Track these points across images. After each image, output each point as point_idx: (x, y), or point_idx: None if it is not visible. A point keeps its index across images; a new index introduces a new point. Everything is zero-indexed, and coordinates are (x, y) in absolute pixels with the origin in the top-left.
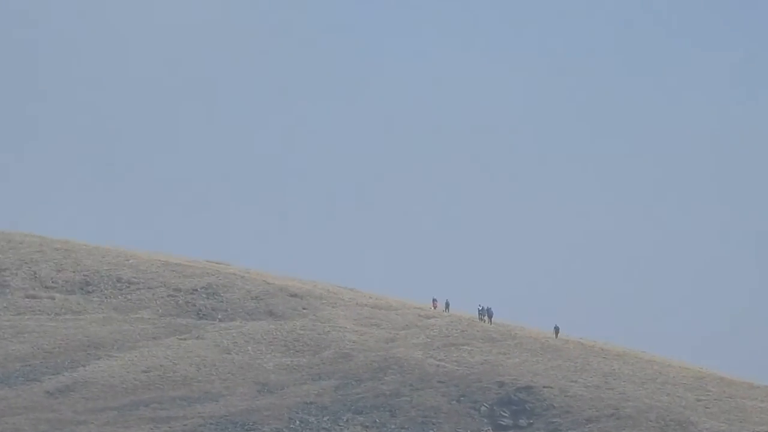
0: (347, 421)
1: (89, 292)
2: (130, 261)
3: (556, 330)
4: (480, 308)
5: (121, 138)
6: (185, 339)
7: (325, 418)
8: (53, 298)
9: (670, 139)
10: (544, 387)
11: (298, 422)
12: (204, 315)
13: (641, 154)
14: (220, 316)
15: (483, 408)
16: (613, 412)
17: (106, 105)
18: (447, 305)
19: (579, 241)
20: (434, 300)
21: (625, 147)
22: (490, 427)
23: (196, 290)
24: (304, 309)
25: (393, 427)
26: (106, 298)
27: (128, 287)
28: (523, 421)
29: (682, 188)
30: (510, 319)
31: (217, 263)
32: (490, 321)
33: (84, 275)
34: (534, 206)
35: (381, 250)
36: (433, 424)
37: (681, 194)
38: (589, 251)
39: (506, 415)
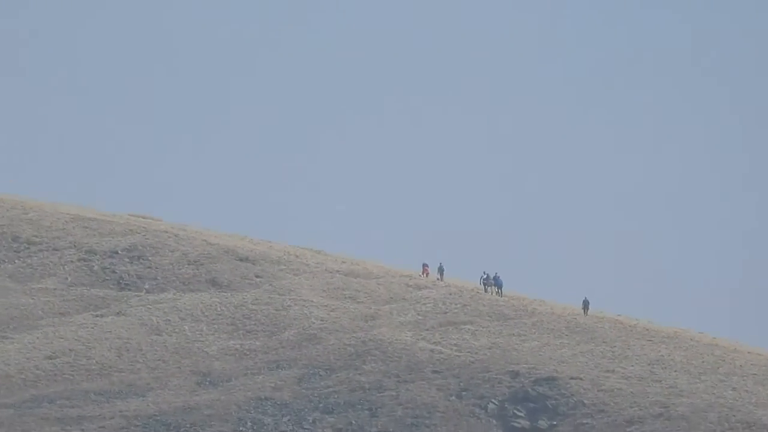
0: (314, 422)
1: None
2: (30, 215)
3: (586, 305)
4: (485, 276)
5: (18, 63)
6: (102, 316)
7: (284, 419)
8: None
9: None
10: (571, 378)
11: (249, 423)
12: (127, 285)
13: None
14: (147, 287)
15: (491, 406)
16: (660, 412)
17: None
18: (441, 271)
19: (613, 188)
20: (425, 265)
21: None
22: (500, 431)
23: (117, 253)
24: (257, 277)
25: (374, 430)
26: None
27: (27, 249)
28: (543, 423)
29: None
30: (525, 291)
31: (143, 218)
32: (500, 293)
33: None
34: (547, 145)
35: (356, 201)
36: (426, 426)
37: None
38: (627, 201)
39: (521, 414)
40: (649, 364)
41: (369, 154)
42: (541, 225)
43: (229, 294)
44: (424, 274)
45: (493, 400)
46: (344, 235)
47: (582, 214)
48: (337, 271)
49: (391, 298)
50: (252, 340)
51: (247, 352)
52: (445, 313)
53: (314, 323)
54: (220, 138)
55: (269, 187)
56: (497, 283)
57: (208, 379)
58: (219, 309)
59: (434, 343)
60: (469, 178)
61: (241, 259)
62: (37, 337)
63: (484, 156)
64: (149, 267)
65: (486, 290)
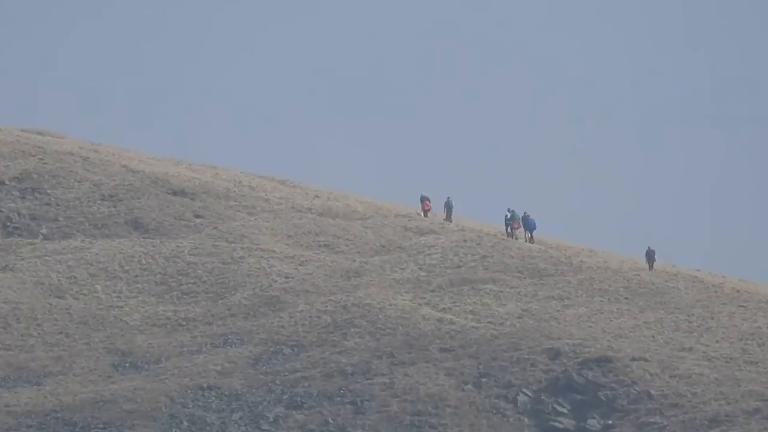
0: (276, 420)
1: None
2: None
3: (651, 256)
4: (510, 215)
5: None
6: None
7: (235, 416)
8: None
9: None
10: (632, 360)
11: (185, 423)
12: (16, 229)
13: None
14: (44, 231)
15: (522, 398)
16: (757, 407)
17: None
18: (449, 209)
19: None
20: (425, 199)
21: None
22: None
23: (3, 183)
24: (197, 218)
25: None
26: None
27: None
28: (594, 422)
29: None
30: (567, 236)
31: (40, 134)
32: (531, 238)
33: None
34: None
35: (334, 114)
36: (432, 427)
37: None
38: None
39: (564, 410)
40: (740, 340)
41: (349, 57)
42: (587, 148)
43: (158, 241)
44: (424, 212)
45: (524, 390)
46: (318, 162)
47: (644, 132)
48: (309, 209)
49: (383, 246)
50: (190, 306)
51: (183, 323)
52: (458, 267)
53: (276, 282)
54: (158, 32)
55: (216, 99)
56: (528, 225)
57: (129, 360)
58: (144, 262)
59: (442, 310)
60: (485, 83)
61: (174, 193)
62: None
63: (507, 52)
64: (47, 204)
65: (512, 235)
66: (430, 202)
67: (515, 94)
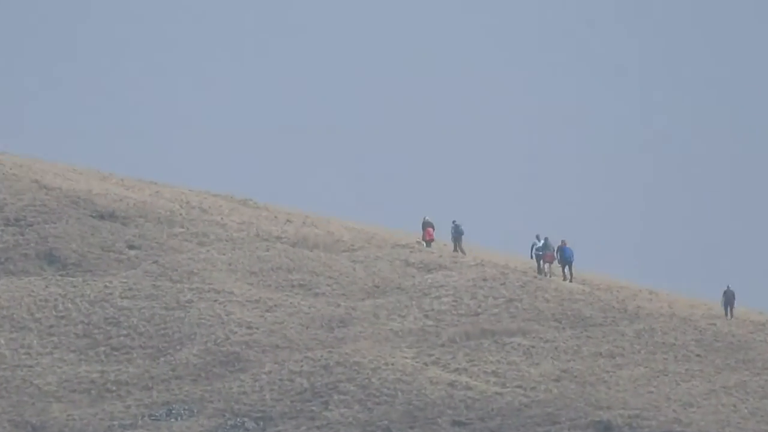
0: None
1: None
2: None
3: (730, 300)
4: (540, 243)
5: None
6: None
7: None
8: None
9: None
10: None
11: None
12: None
13: None
14: None
15: None
16: None
17: None
18: (456, 236)
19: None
20: (428, 226)
21: None
22: None
23: None
24: (131, 249)
25: None
26: None
27: None
28: None
29: None
30: (617, 273)
31: None
32: (569, 274)
33: None
34: None
35: (310, 120)
36: None
37: None
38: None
39: None
40: None
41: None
42: (642, 156)
43: (80, 280)
44: (426, 240)
45: None
46: (289, 176)
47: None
48: (278, 237)
49: (376, 287)
50: (122, 366)
51: (113, 388)
52: (476, 314)
53: (235, 333)
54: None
55: (158, 100)
56: (564, 256)
57: None
58: (61, 307)
59: (455, 371)
60: (494, 83)
61: (101, 216)
62: None
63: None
64: None
65: (545, 271)
66: (433, 229)
67: (528, 95)
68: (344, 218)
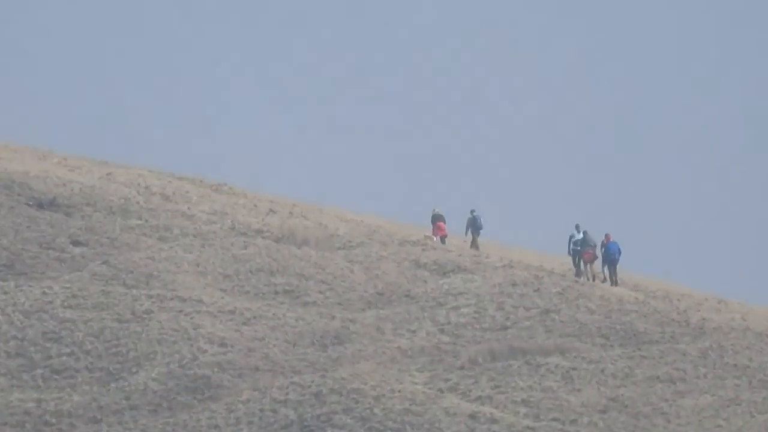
0: None
1: None
2: None
3: None
4: (579, 236)
5: None
6: None
7: None
8: None
9: None
10: None
11: None
12: None
13: None
14: None
15: None
16: None
17: None
18: (474, 229)
19: None
20: (438, 218)
21: None
22: None
23: None
24: (76, 246)
25: None
26: None
27: None
28: None
29: None
30: (677, 277)
31: None
32: (613, 276)
33: None
34: None
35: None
36: None
37: None
38: None
39: None
40: None
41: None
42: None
43: (12, 284)
44: (441, 239)
45: None
46: (272, 156)
47: None
48: (259, 231)
49: (380, 294)
50: (64, 393)
51: (54, 420)
52: (504, 329)
53: (206, 353)
54: None
55: (114, 65)
56: (608, 254)
57: None
58: None
59: (478, 399)
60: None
61: (39, 205)
62: None
63: None
64: None
65: (584, 272)
66: (443, 222)
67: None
68: (340, 207)
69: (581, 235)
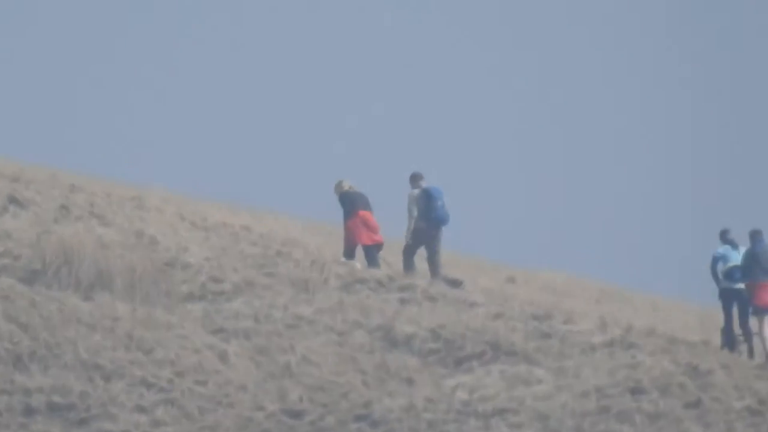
0: None
1: None
2: None
3: None
4: (732, 256)
5: None
6: None
7: None
8: None
9: None
10: None
11: None
12: None
13: None
14: None
15: None
16: None
17: None
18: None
19: None
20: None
21: None
22: None
23: None
24: None
25: None
26: None
27: None
28: None
29: None
30: None
31: None
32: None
33: None
34: None
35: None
36: None
37: None
38: None
39: None
40: None
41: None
42: None
43: None
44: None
45: None
46: (235, 157)
47: None
48: (253, 246)
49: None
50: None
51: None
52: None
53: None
54: None
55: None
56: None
57: None
58: None
59: None
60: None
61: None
62: None
63: None
64: None
65: (748, 334)
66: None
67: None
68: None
69: (739, 251)
